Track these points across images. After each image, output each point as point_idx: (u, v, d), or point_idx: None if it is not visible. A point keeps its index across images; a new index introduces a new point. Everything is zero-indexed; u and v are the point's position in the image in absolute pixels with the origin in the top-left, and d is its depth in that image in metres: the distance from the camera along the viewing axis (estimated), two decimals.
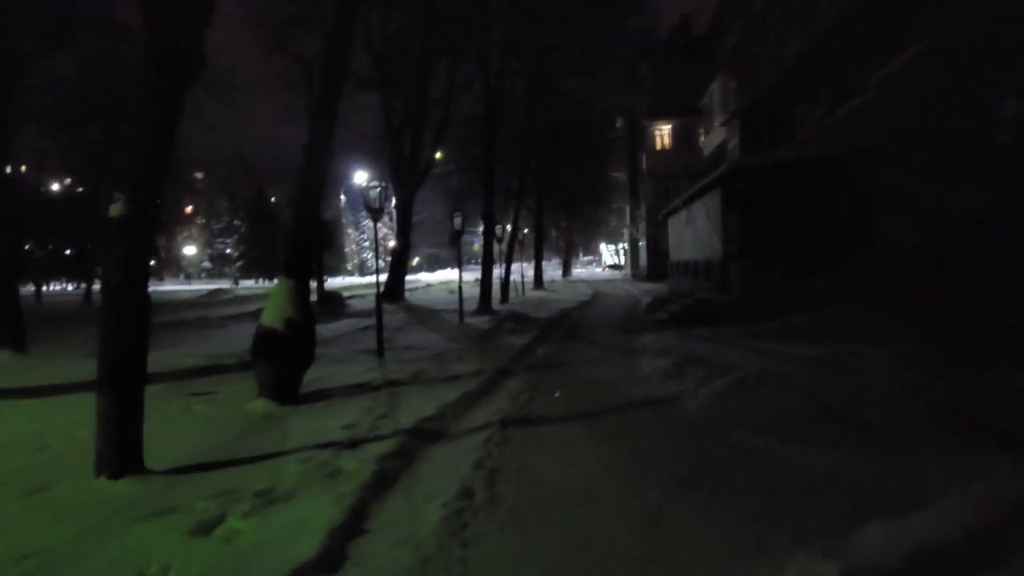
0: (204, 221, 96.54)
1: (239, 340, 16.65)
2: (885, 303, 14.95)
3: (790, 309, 16.05)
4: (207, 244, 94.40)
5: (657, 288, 36.26)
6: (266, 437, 7.36)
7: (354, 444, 6.86)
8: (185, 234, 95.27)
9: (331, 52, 9.89)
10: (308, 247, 9.57)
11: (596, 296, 34.05)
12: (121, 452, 5.92)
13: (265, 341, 8.98)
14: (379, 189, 12.76)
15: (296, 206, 10.02)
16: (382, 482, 5.68)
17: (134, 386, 6.01)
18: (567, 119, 36.85)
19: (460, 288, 20.41)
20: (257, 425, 7.99)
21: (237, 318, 24.03)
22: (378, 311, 13.48)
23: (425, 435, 7.24)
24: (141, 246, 6.08)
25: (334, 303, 25.84)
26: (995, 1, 13.15)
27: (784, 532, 4.44)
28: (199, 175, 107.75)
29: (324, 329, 19.00)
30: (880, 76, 16.68)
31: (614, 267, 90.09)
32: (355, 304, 29.29)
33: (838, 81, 20.33)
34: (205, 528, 4.87)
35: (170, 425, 8.01)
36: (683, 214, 27.23)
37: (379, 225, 40.69)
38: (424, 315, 22.83)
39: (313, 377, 10.45)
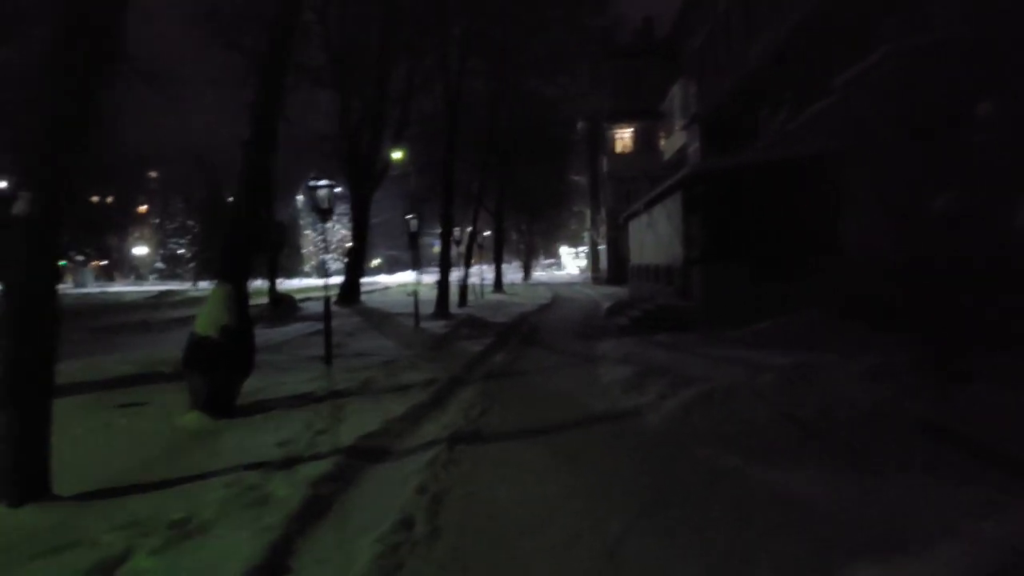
0: (158, 221, 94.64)
1: (182, 345, 15.88)
2: (853, 310, 14.67)
3: (754, 316, 15.71)
4: (160, 244, 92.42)
5: (618, 292, 35.95)
6: (194, 455, 6.72)
7: (288, 464, 6.25)
8: (136, 234, 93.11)
9: (271, 40, 9.25)
10: (246, 248, 8.91)
11: (556, 300, 33.63)
12: (22, 477, 5.25)
13: (198, 350, 8.31)
14: (326, 189, 12.12)
15: (233, 205, 9.32)
16: (313, 511, 5.09)
17: (39, 401, 5.34)
18: (529, 120, 36.38)
19: (416, 292, 19.79)
20: (186, 441, 7.33)
21: (183, 321, 23.05)
22: (326, 316, 12.83)
23: (366, 454, 6.66)
24: (47, 246, 5.42)
25: (286, 306, 25.03)
26: (963, 2, 12.94)
27: (762, 571, 3.95)
28: (153, 174, 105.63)
29: (274, 333, 18.31)
30: (845, 78, 16.44)
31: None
32: (309, 307, 28.46)
33: (802, 84, 20.12)
34: (105, 569, 4.25)
35: (91, 441, 7.33)
36: (644, 218, 26.92)
37: (338, 227, 39.78)
38: (379, 319, 22.15)
39: (254, 387, 9.80)
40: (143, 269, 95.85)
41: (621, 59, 47.96)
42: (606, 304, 24.77)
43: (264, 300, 27.10)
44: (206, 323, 8.39)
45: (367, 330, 18.48)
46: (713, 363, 11.03)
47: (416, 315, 19.22)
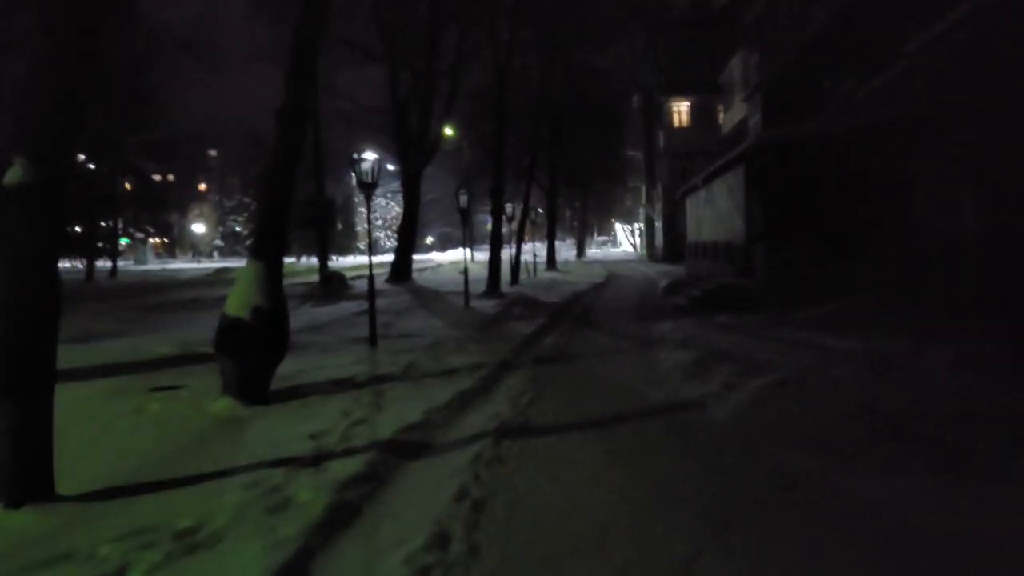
0: (217, 199, 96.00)
1: None
2: (923, 292, 13.66)
3: (819, 297, 14.79)
4: (219, 222, 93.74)
5: (674, 270, 34.96)
6: (219, 448, 6.24)
7: (317, 460, 5.72)
8: (196, 212, 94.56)
9: None
10: (279, 223, 8.38)
11: (610, 278, 32.80)
12: (21, 476, 4.80)
13: (229, 333, 7.84)
14: (370, 162, 11.54)
15: (265, 178, 8.79)
16: (337, 520, 4.53)
17: (38, 391, 4.86)
18: (581, 92, 35.45)
19: (466, 269, 19.22)
20: (214, 431, 6.87)
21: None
22: (371, 295, 12.32)
23: (404, 449, 6.09)
24: (46, 219, 4.91)
25: (335, 284, 24.71)
26: None
27: None
28: (213, 153, 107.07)
29: (321, 312, 17.94)
30: (920, 42, 15.30)
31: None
32: (359, 285, 28.17)
33: (870, 51, 18.91)
34: None
35: (113, 429, 6.91)
36: (702, 193, 25.93)
37: (391, 204, 39.03)
38: (429, 298, 21.67)
39: (292, 370, 9.35)
40: (203, 247, 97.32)
41: (677, 30, 46.46)
42: (663, 283, 23.91)
43: (315, 278, 26.91)
44: (237, 304, 7.91)
45: (416, 309, 17.98)
46: (779, 348, 10.23)
47: (466, 294, 18.66)
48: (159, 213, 65.99)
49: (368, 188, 11.79)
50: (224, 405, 7.71)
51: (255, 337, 7.77)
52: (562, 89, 35.12)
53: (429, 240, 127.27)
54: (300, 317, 16.88)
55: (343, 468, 5.46)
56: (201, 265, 62.36)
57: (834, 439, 5.85)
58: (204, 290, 30.19)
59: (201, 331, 14.52)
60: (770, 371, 8.13)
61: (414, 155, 29.44)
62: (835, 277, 15.27)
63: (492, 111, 23.89)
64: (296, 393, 8.25)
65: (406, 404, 7.58)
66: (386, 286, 27.07)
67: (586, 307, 18.73)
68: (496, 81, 22.78)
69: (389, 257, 37.76)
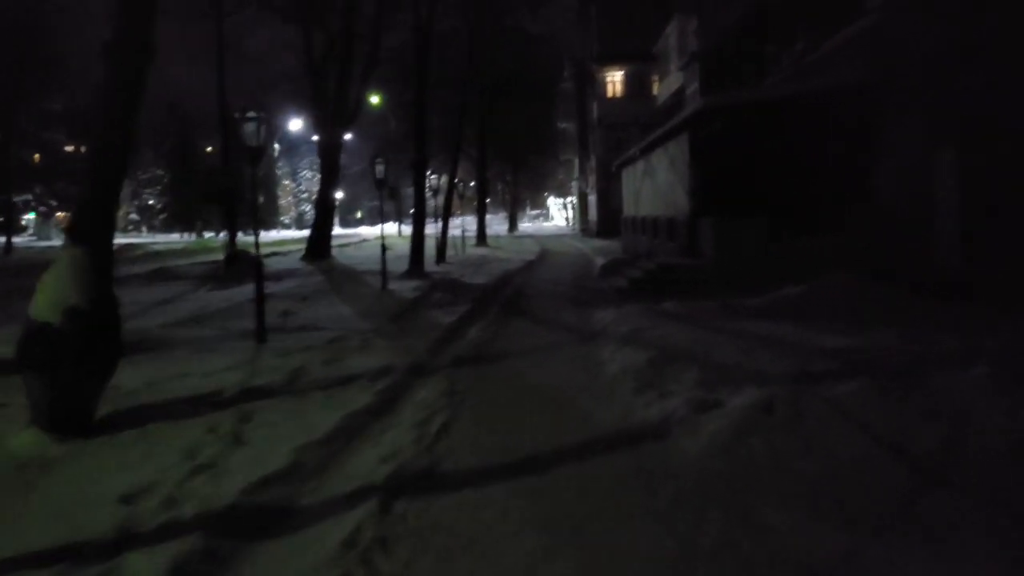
0: (131, 172, 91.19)
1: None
2: (898, 272, 12.32)
3: (775, 277, 13.32)
4: (133, 196, 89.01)
5: (609, 246, 33.50)
6: None
7: (115, 548, 3.84)
8: None
9: None
10: (110, 196, 6.35)
11: (544, 255, 31.13)
12: None
13: (35, 343, 5.80)
14: (255, 122, 9.50)
15: (94, 136, 6.70)
16: None
17: None
18: (511, 58, 33.54)
19: (383, 247, 17.24)
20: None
21: (125, 281, 20.55)
22: (258, 282, 10.29)
23: (251, 520, 4.24)
24: None
25: (241, 264, 22.38)
26: None
27: None
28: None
29: (214, 298, 15.77)
30: None
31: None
32: (274, 263, 25.89)
33: (825, 9, 17.46)
34: None
35: None
36: (640, 165, 24.39)
37: (317, 175, 34.97)
38: (344, 278, 19.65)
39: (143, 381, 7.40)
40: (118, 221, 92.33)
41: None
42: (600, 261, 22.31)
43: (221, 258, 24.54)
44: (47, 303, 5.87)
45: (325, 293, 15.98)
46: (745, 345, 8.62)
47: (383, 275, 16.70)
48: (55, 185, 61.97)
49: (255, 151, 9.74)
50: (28, 440, 5.73)
51: (71, 347, 5.76)
52: (492, 56, 33.17)
53: (359, 214, 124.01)
54: (188, 304, 14.78)
55: (145, 569, 3.59)
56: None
57: (859, 498, 4.20)
58: None
59: None
60: (744, 381, 6.50)
61: (332, 123, 27.16)
62: (794, 255, 13.86)
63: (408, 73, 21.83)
64: (136, 418, 6.27)
65: (275, 436, 5.71)
66: (300, 265, 24.89)
67: (517, 289, 16.95)
68: (417, 42, 20.67)
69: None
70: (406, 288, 16.38)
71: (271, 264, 25.43)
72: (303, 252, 28.05)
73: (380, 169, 16.52)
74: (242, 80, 27.09)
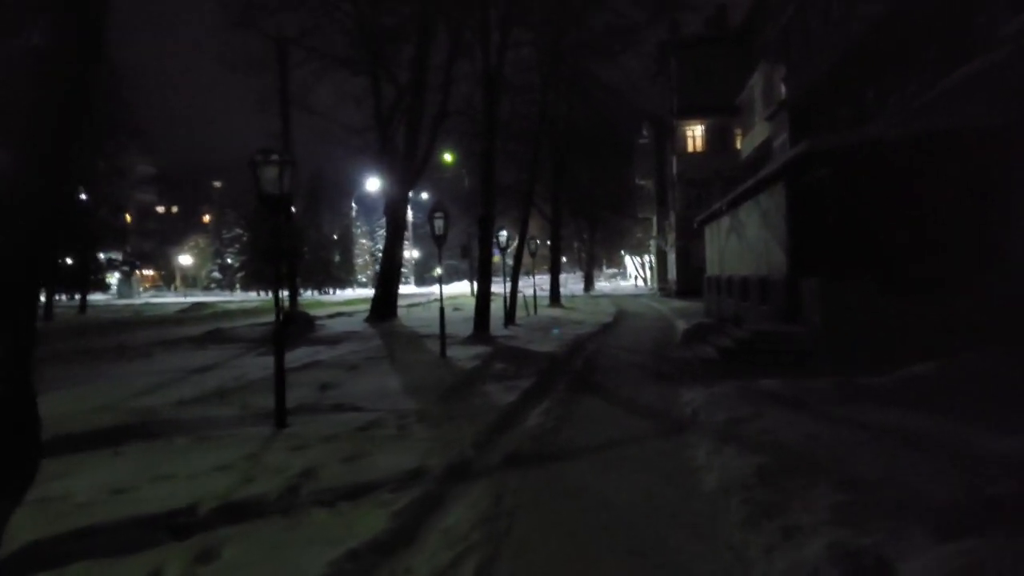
0: (216, 230, 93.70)
1: (144, 381, 12.17)
2: None
3: (896, 350, 11.20)
4: (216, 255, 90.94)
5: (690, 307, 31.31)
6: None
7: None
8: (191, 244, 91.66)
9: None
10: (31, 239, 4.72)
11: (620, 316, 29.10)
12: None
13: None
14: (276, 166, 8.04)
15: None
16: None
17: None
18: (587, 109, 32.13)
19: (442, 311, 15.67)
20: None
21: (175, 344, 19.48)
22: (278, 353, 8.69)
23: None
24: None
25: (299, 325, 21.15)
26: None
27: None
28: (217, 184, 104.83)
29: (255, 365, 14.32)
30: (1018, 26, 11.88)
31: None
32: (335, 325, 24.66)
33: (942, 42, 15.43)
34: None
35: None
36: (726, 220, 22.37)
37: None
38: (404, 343, 18.09)
39: (109, 486, 5.91)
40: (200, 279, 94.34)
41: (691, 49, 43.41)
42: (682, 325, 20.23)
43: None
44: None
45: (378, 361, 14.39)
46: (884, 445, 6.60)
47: (442, 342, 15.08)
48: (144, 244, 63.32)
49: (272, 203, 8.25)
50: None
51: None
52: (567, 107, 31.84)
53: (437, 272, 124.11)
54: (224, 372, 13.36)
55: None
56: (184, 299, 58.93)
57: None
58: (166, 329, 26.77)
59: (101, 390, 11.12)
60: (905, 514, 4.53)
61: (399, 177, 26.05)
62: (914, 323, 11.69)
63: (479, 127, 20.49)
64: (59, 552, 4.64)
65: None
66: (362, 327, 23.54)
67: (589, 359, 15.00)
68: (485, 90, 19.36)
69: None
70: (466, 356, 14.69)
71: (332, 326, 24.21)
72: (368, 313, 26.81)
73: (439, 224, 15.02)
74: (309, 134, 26.34)
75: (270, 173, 8.15)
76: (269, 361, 14.87)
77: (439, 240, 15.20)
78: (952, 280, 11.85)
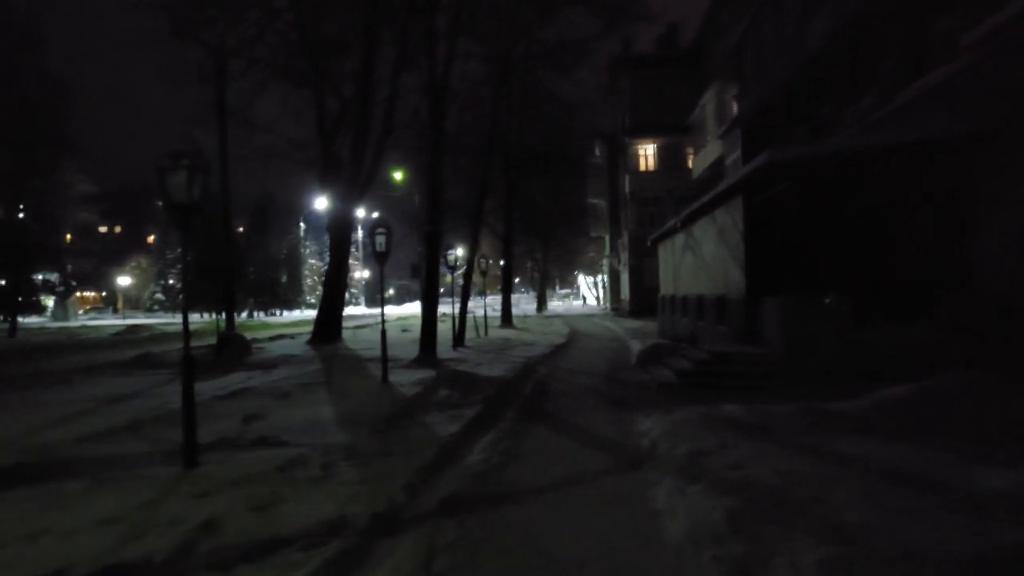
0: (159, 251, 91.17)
1: (53, 412, 11.03)
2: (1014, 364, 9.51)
3: (862, 372, 10.68)
4: (159, 275, 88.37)
5: (644, 326, 30.77)
6: None
7: None
8: (132, 264, 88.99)
9: None
10: None
11: (573, 337, 28.37)
12: None
13: None
14: (186, 172, 7.10)
15: None
16: None
17: None
18: (539, 125, 31.53)
19: (383, 333, 14.74)
20: None
21: (100, 369, 18.19)
22: (185, 382, 7.70)
23: None
24: None
25: (232, 349, 19.97)
26: None
27: None
28: (161, 203, 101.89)
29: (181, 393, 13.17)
30: (984, 31, 11.45)
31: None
32: (275, 347, 23.47)
33: (900, 54, 15.07)
34: None
35: None
36: (680, 238, 21.85)
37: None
38: (345, 367, 17.07)
39: None
40: (143, 301, 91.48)
41: (643, 68, 43.28)
42: (636, 346, 19.53)
43: (212, 340, 22.16)
44: None
45: (314, 387, 13.39)
46: (864, 481, 5.91)
47: (384, 367, 14.15)
48: (71, 264, 61.25)
49: (184, 210, 7.30)
50: None
51: None
52: (518, 122, 31.19)
53: (390, 292, 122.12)
54: (144, 402, 12.25)
55: None
56: (123, 321, 56.80)
57: None
58: (97, 353, 25.29)
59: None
60: (912, 568, 3.78)
61: (344, 193, 25.06)
62: (881, 345, 11.13)
63: (428, 142, 19.65)
64: None
65: None
66: (303, 350, 22.41)
67: (540, 384, 14.16)
68: (431, 101, 18.56)
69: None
70: (409, 381, 13.78)
71: (272, 348, 23.04)
72: (310, 335, 25.68)
73: (381, 240, 14.13)
74: (252, 152, 25.18)
75: (179, 179, 7.20)
76: (198, 388, 13.70)
77: (381, 257, 14.30)
78: (921, 298, 11.34)
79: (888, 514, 5.11)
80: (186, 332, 7.75)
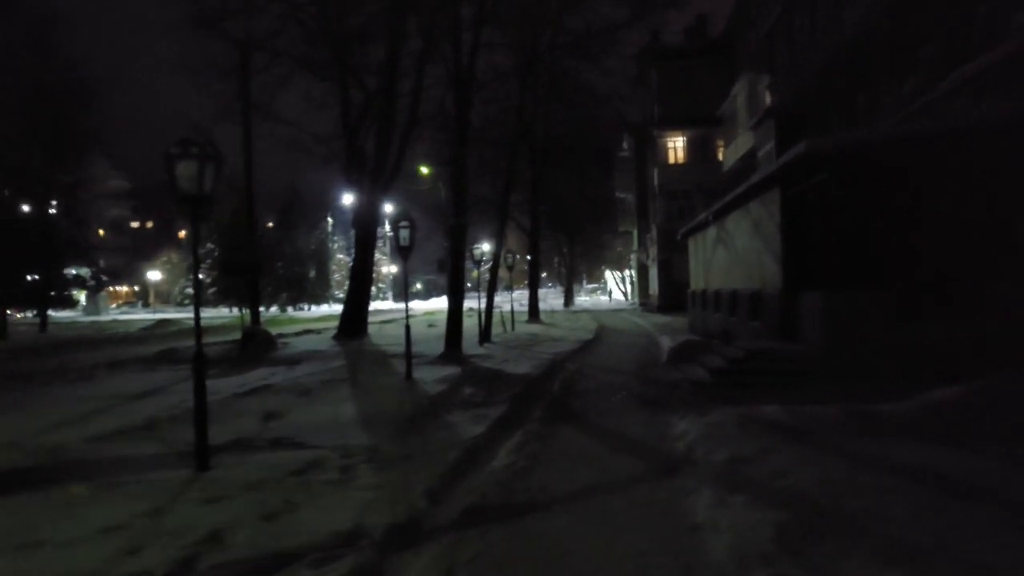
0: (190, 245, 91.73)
1: (71, 409, 10.84)
2: None
3: (909, 371, 10.13)
4: (189, 270, 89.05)
5: (673, 322, 30.18)
6: None
7: None
8: (163, 259, 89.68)
9: None
10: None
11: (601, 333, 27.88)
12: None
13: None
14: (196, 161, 6.76)
15: None
16: None
17: None
18: (566, 117, 31.06)
19: (408, 327, 14.41)
20: None
21: (120, 365, 18.05)
22: (197, 384, 7.36)
23: None
24: None
25: (257, 344, 19.76)
26: None
27: None
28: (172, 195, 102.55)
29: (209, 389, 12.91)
30: None
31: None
32: (300, 343, 23.25)
33: (945, 36, 14.44)
34: None
35: None
36: (712, 231, 21.29)
37: (376, 254, 31.63)
38: (369, 363, 16.77)
39: None
40: (174, 295, 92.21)
41: (671, 60, 42.59)
42: (666, 343, 19.03)
43: (237, 335, 21.98)
44: None
45: (337, 385, 13.09)
46: (923, 494, 5.45)
47: (408, 364, 13.82)
48: (104, 259, 61.89)
49: (194, 204, 6.96)
50: None
51: None
52: (545, 112, 30.71)
53: (418, 287, 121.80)
54: (165, 399, 12.05)
55: None
56: (153, 316, 57.12)
57: None
58: (125, 347, 25.29)
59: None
60: None
61: (369, 187, 24.78)
62: (936, 338, 10.57)
63: (453, 135, 19.26)
64: None
65: None
66: (328, 345, 22.17)
67: (568, 382, 13.70)
68: (456, 91, 18.18)
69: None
70: (434, 378, 13.43)
71: (296, 344, 22.82)
72: (336, 330, 25.46)
73: (404, 235, 13.78)
74: (278, 146, 24.99)
75: (188, 169, 6.86)
76: (218, 385, 13.67)
77: (404, 251, 13.95)
78: (970, 293, 10.77)
79: (953, 531, 4.65)
80: (197, 328, 7.42)
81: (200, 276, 43.32)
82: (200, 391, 7.22)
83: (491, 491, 6.41)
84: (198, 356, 7.32)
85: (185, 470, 7.04)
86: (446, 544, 5.12)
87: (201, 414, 7.17)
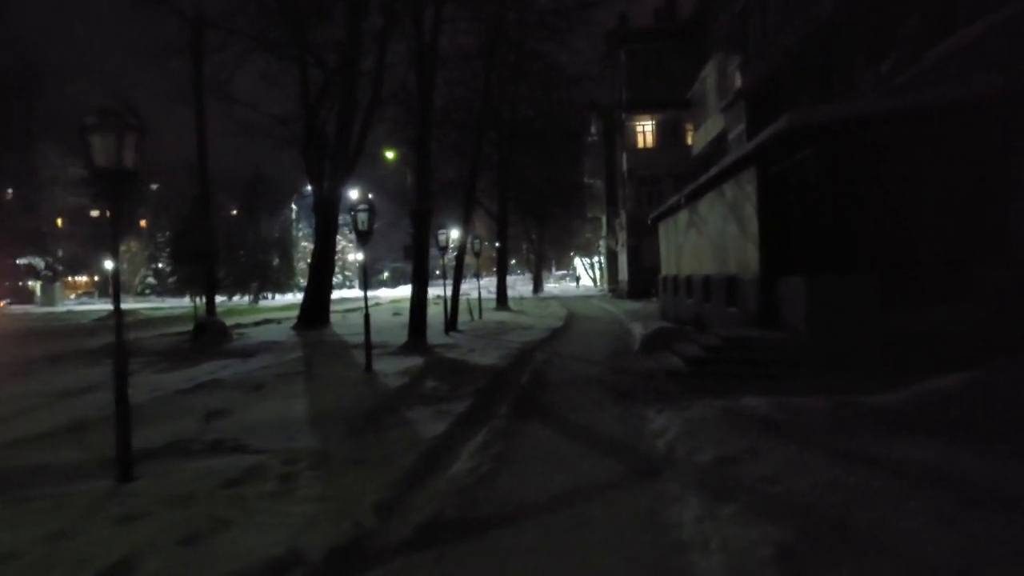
0: (150, 235, 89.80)
1: None
2: None
3: (902, 358, 9.56)
4: (150, 260, 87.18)
5: (644, 308, 29.62)
6: None
7: None
8: (123, 248, 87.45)
9: None
10: None
11: (571, 320, 27.23)
12: None
13: None
14: (111, 132, 5.92)
15: None
16: None
17: None
18: (533, 98, 30.32)
19: (367, 316, 13.59)
20: None
21: (64, 358, 17.04)
22: (118, 386, 6.52)
23: None
24: None
25: (211, 335, 18.82)
26: None
27: None
28: (154, 187, 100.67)
29: (151, 385, 12.03)
30: None
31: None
32: (258, 333, 22.33)
33: (921, 18, 13.89)
34: None
35: None
36: (683, 215, 20.68)
37: (341, 241, 31.49)
38: (328, 355, 15.92)
39: None
40: (132, 286, 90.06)
41: (640, 42, 41.92)
42: (638, 330, 18.41)
43: (189, 326, 20.99)
44: None
45: (290, 379, 12.25)
46: (942, 503, 4.79)
47: (367, 355, 13.02)
48: (62, 249, 60.26)
49: (113, 179, 6.12)
50: None
51: None
52: (512, 93, 29.91)
53: (384, 275, 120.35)
54: (97, 396, 11.06)
55: None
56: (110, 306, 55.42)
57: None
58: (74, 340, 24.14)
59: None
60: None
61: (330, 171, 23.85)
62: (928, 324, 10.02)
63: (415, 115, 18.40)
64: None
65: None
66: (288, 335, 21.28)
67: (537, 373, 12.97)
68: (418, 69, 17.32)
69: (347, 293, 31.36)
70: (395, 370, 12.64)
71: (254, 335, 21.90)
72: (296, 320, 24.53)
73: (362, 218, 12.98)
74: (231, 125, 23.95)
75: (106, 141, 6.02)
76: (165, 380, 12.79)
77: (363, 236, 13.15)
78: (961, 277, 10.23)
79: (979, 550, 4.02)
80: (118, 318, 6.56)
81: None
82: (121, 391, 6.39)
83: (450, 502, 5.67)
84: (119, 348, 6.48)
85: (105, 481, 6.23)
86: (395, 570, 4.39)
87: (124, 419, 6.34)
